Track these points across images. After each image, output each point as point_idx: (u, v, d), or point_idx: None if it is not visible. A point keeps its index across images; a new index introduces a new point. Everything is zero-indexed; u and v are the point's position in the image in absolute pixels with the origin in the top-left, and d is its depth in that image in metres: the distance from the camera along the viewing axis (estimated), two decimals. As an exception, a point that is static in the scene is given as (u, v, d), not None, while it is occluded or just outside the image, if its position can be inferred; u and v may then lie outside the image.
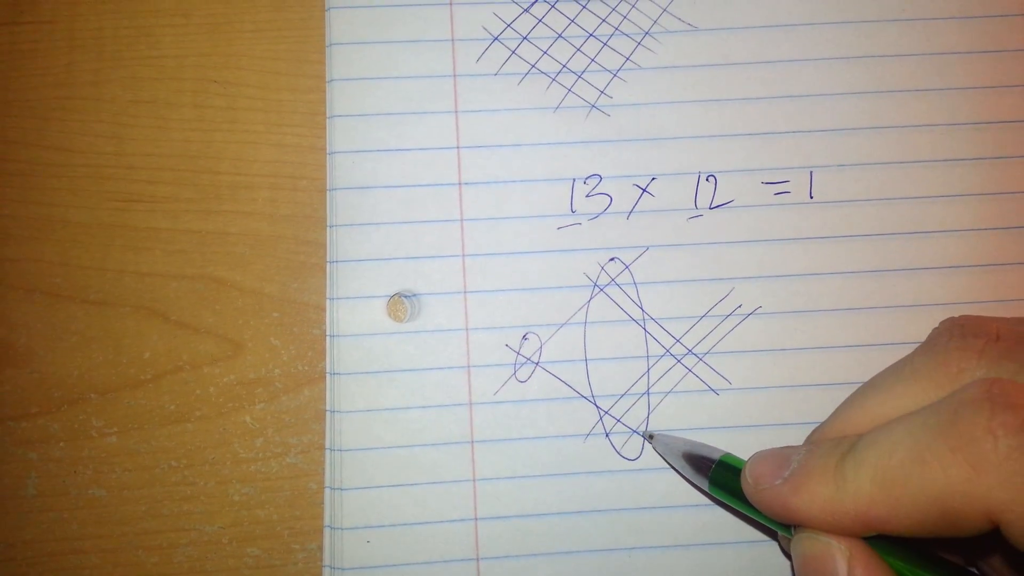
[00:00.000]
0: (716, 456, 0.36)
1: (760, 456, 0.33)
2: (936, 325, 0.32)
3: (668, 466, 0.40)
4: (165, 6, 0.43)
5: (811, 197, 0.42)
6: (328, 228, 0.41)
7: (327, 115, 0.42)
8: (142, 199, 0.42)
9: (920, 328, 0.40)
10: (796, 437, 0.40)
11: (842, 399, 0.40)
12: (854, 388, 0.40)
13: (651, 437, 0.40)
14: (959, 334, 0.31)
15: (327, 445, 0.40)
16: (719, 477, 0.35)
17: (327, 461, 0.40)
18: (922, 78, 0.42)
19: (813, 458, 0.31)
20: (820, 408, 0.40)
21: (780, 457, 0.32)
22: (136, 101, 0.42)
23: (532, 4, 0.43)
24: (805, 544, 0.31)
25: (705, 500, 0.40)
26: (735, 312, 0.41)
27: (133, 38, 0.43)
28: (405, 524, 0.40)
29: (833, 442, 0.31)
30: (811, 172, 0.42)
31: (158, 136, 0.42)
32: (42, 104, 0.42)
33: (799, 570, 0.31)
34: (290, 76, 0.43)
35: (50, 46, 0.42)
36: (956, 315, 0.32)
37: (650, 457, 0.40)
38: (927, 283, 0.41)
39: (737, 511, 0.39)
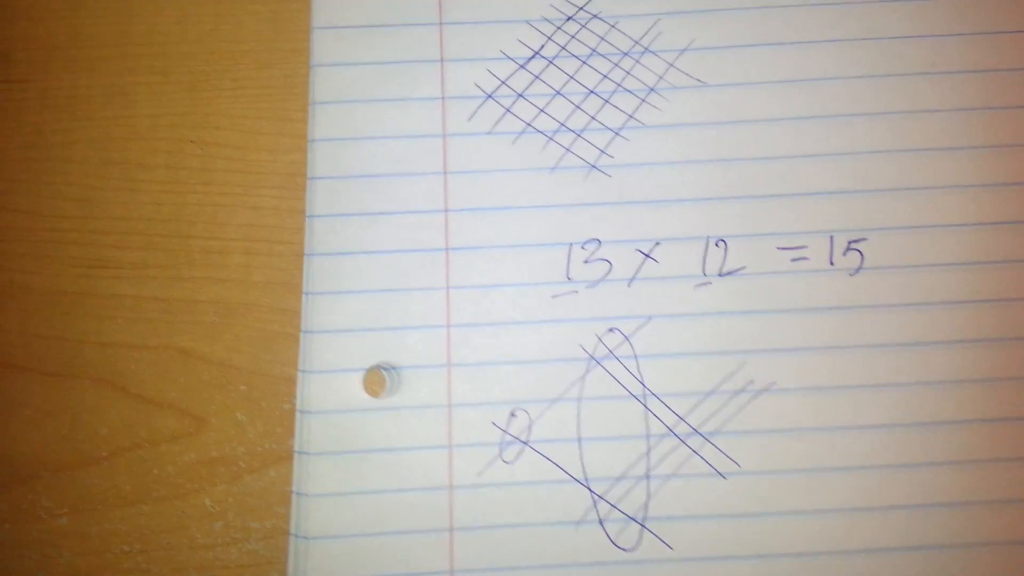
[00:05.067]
0: None
1: None
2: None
3: (666, 558, 0.36)
4: (142, 64, 0.41)
5: (831, 264, 0.39)
6: (304, 295, 0.39)
7: (307, 176, 0.40)
8: (108, 265, 0.40)
9: (956, 406, 0.38)
10: (813, 527, 0.37)
11: (867, 484, 0.37)
12: (880, 472, 0.37)
13: None
14: None
15: (292, 531, 0.38)
16: None
17: (291, 549, 0.38)
18: (951, 135, 0.40)
19: None
20: (840, 496, 0.37)
21: None
22: (107, 162, 0.41)
23: (528, 60, 0.41)
24: None
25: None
26: (746, 389, 0.38)
27: (107, 97, 0.41)
28: (375, 622, 0.36)
29: None
30: (831, 236, 0.39)
31: (128, 199, 0.40)
32: (10, 165, 0.41)
33: None
34: (270, 136, 0.41)
35: (20, 106, 0.41)
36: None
37: (648, 547, 0.37)
38: (963, 357, 0.38)
39: None
